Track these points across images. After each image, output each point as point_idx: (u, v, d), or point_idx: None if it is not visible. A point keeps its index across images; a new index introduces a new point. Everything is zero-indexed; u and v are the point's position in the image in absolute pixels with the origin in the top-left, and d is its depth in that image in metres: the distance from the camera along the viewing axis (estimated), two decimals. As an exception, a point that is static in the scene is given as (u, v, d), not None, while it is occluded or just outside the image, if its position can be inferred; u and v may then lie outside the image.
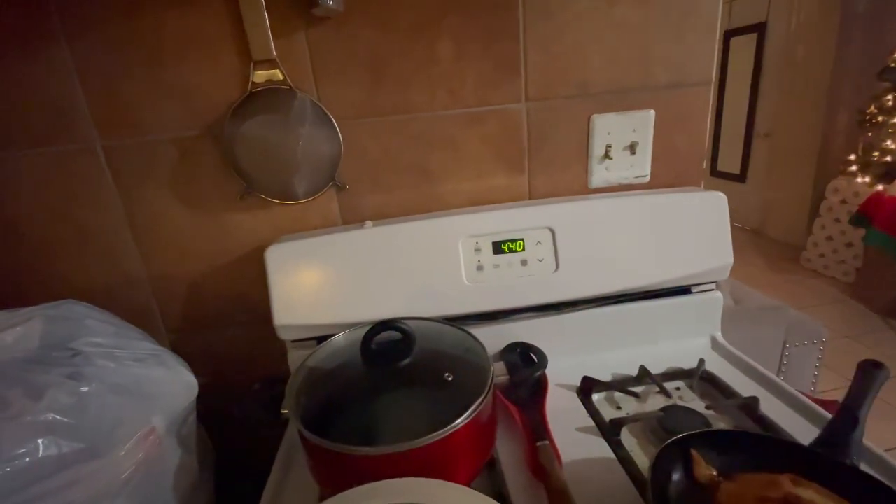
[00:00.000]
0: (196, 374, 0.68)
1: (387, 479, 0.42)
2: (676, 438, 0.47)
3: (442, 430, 0.45)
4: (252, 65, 0.64)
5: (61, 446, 0.42)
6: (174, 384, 0.56)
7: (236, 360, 0.81)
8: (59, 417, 0.42)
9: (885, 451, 0.50)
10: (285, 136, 0.67)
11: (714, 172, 4.10)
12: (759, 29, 3.38)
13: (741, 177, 3.84)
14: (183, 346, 0.78)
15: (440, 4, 0.65)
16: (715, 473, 0.45)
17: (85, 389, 0.45)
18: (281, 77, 0.65)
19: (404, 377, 0.51)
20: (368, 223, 0.70)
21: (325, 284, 0.67)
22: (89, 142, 0.67)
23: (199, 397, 0.67)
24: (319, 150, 0.69)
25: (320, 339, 0.68)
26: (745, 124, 3.68)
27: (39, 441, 0.40)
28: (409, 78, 0.68)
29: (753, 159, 3.72)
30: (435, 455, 0.46)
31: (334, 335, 0.61)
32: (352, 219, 0.75)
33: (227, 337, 0.80)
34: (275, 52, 0.64)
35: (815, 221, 2.90)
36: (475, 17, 0.67)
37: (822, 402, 0.67)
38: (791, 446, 0.46)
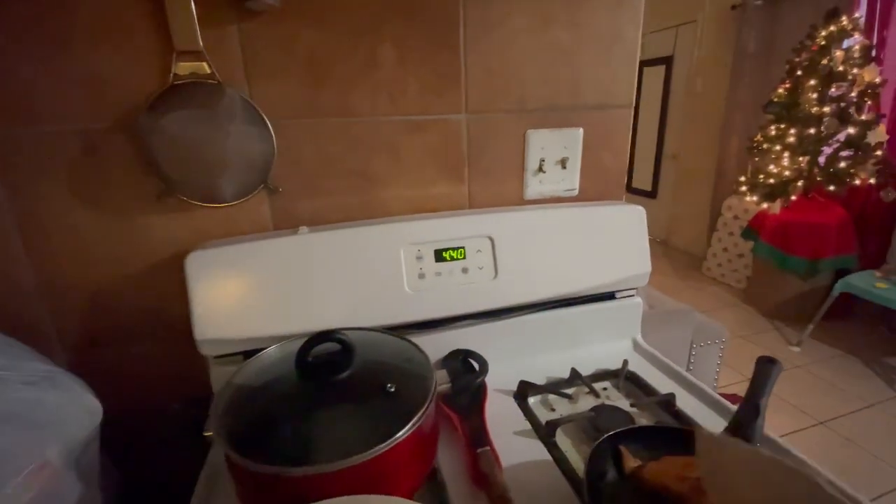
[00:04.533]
0: (99, 396, 0.60)
1: (327, 498, 0.40)
2: (605, 437, 0.50)
3: (384, 444, 0.43)
4: (175, 55, 0.59)
5: (-77, 490, 0.35)
6: (72, 409, 0.49)
7: (148, 380, 0.73)
8: (-80, 456, 0.35)
9: (780, 436, 0.57)
10: (211, 134, 0.62)
11: (629, 189, 4.47)
12: (667, 61, 3.76)
13: (652, 193, 4.23)
14: (84, 366, 0.69)
15: (381, 10, 0.65)
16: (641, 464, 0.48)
17: (-43, 420, 0.38)
18: (208, 70, 0.61)
19: (343, 391, 0.49)
20: (304, 229, 0.67)
21: (255, 294, 0.63)
22: (-32, 130, 0.57)
23: (103, 423, 0.60)
24: (250, 150, 0.65)
25: (248, 354, 0.63)
26: (656, 146, 4.07)
27: None
28: (350, 81, 0.67)
29: (662, 178, 4.12)
30: (377, 469, 0.44)
31: (265, 349, 0.58)
32: (285, 224, 0.71)
33: (137, 354, 0.72)
34: (201, 44, 0.60)
35: (713, 234, 3.26)
36: (417, 26, 0.67)
37: (723, 396, 0.75)
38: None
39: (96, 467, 0.51)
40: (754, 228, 2.68)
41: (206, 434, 0.46)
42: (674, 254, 3.91)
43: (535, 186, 0.81)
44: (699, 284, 3.27)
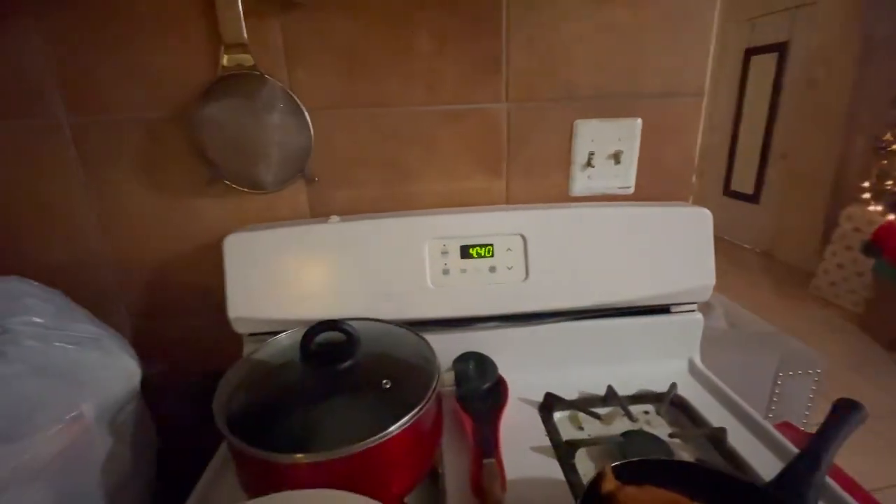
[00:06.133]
0: (158, 361, 0.66)
1: (310, 488, 0.40)
2: (611, 467, 0.44)
3: (372, 439, 0.42)
4: (222, 48, 0.63)
5: (-31, 427, 0.40)
6: (111, 369, 0.54)
7: (198, 351, 0.79)
8: (-32, 397, 0.40)
9: (878, 489, 0.46)
10: (253, 124, 0.65)
11: (727, 192, 4.02)
12: (781, 48, 3.31)
13: (754, 197, 3.75)
14: (145, 333, 0.77)
15: (419, -5, 0.63)
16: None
17: (3, 370, 0.43)
18: (251, 62, 0.63)
19: (343, 381, 0.48)
20: (334, 218, 0.68)
21: (284, 278, 0.65)
22: (57, 118, 0.65)
23: (157, 386, 0.65)
24: (289, 139, 0.67)
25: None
26: (762, 144, 3.61)
27: (-55, 420, 0.39)
28: (386, 70, 0.66)
29: (768, 180, 3.64)
30: (365, 464, 0.43)
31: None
32: (321, 212, 0.73)
33: (190, 326, 0.78)
34: (246, 36, 0.62)
35: (826, 248, 2.82)
36: (456, 11, 0.64)
37: (810, 436, 0.62)
38: (741, 484, 0.42)
39: (130, 426, 0.56)
40: (878, 243, 2.26)
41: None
42: (777, 268, 3.44)
43: (582, 182, 0.74)
44: (805, 305, 2.85)
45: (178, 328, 0.78)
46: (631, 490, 0.39)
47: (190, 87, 0.64)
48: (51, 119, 0.65)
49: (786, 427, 1.01)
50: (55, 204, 0.69)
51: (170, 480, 0.68)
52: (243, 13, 0.61)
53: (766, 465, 0.52)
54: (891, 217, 2.16)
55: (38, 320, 0.51)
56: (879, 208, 2.22)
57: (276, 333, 0.66)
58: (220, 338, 0.77)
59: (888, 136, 2.18)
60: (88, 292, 0.68)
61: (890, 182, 2.15)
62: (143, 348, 0.66)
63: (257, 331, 0.67)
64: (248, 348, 0.68)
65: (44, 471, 0.45)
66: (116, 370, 0.55)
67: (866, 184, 2.31)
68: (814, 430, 0.52)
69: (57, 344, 0.49)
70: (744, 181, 3.85)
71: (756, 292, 3.02)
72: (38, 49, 0.62)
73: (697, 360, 0.74)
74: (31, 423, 0.44)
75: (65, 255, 0.72)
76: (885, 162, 2.21)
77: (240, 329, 0.67)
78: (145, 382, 0.63)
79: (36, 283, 0.57)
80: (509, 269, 0.66)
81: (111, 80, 0.64)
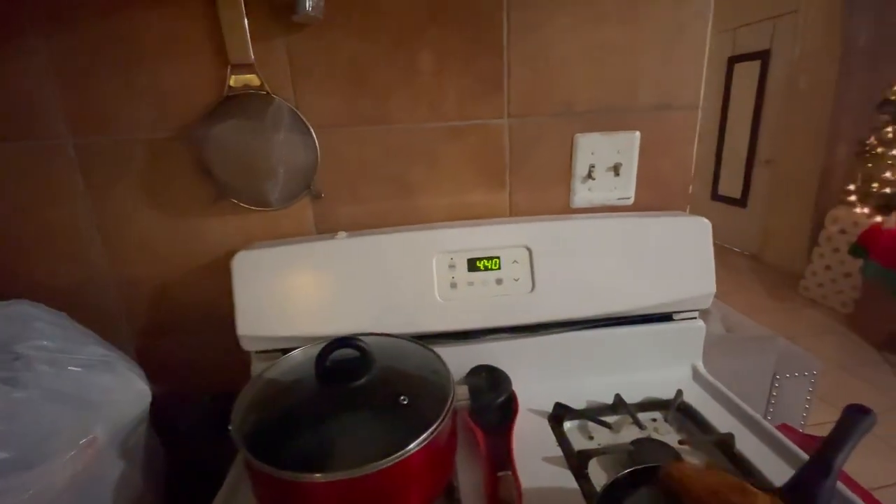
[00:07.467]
0: (162, 381, 0.66)
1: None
2: (626, 473, 0.45)
3: (391, 457, 0.42)
4: (229, 68, 0.63)
5: (-15, 456, 0.39)
6: (122, 392, 0.54)
7: (203, 369, 0.78)
8: (-16, 425, 0.40)
9: (874, 489, 0.47)
10: (260, 142, 0.65)
11: (715, 196, 4.09)
12: (763, 56, 3.40)
13: (742, 202, 3.83)
14: (149, 352, 0.76)
15: (422, 16, 0.65)
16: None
17: (18, 395, 0.43)
18: (258, 82, 0.64)
19: (359, 398, 0.48)
20: (342, 234, 0.69)
21: (293, 295, 0.65)
22: (60, 139, 0.65)
23: (162, 406, 0.65)
24: (295, 157, 0.68)
25: (287, 352, 0.65)
26: (747, 150, 3.69)
27: (-40, 450, 0.38)
28: (390, 89, 0.67)
29: (754, 185, 3.72)
30: (384, 483, 0.43)
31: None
32: (327, 228, 0.73)
33: (195, 344, 0.77)
34: (253, 57, 0.63)
35: (814, 250, 2.88)
36: (458, 30, 0.66)
37: (809, 438, 0.64)
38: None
39: (140, 448, 0.56)
40: (865, 245, 2.32)
41: (228, 428, 0.48)
42: (765, 270, 3.50)
43: (583, 194, 0.76)
44: (795, 306, 2.90)
45: (181, 346, 0.78)
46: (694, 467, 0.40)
47: (197, 107, 0.65)
48: (54, 140, 0.65)
49: (785, 429, 1.03)
50: (59, 224, 0.69)
51: (176, 501, 0.68)
52: (250, 34, 0.62)
53: (774, 470, 0.54)
54: (877, 219, 2.22)
55: (48, 344, 0.51)
56: (866, 210, 2.28)
57: (284, 350, 0.67)
58: (224, 355, 0.77)
59: (872, 140, 2.25)
60: (91, 312, 0.68)
61: (875, 185, 2.21)
62: (147, 367, 0.66)
63: (266, 348, 0.67)
64: (255, 366, 0.68)
65: (60, 496, 0.45)
66: (127, 393, 0.55)
67: (851, 186, 2.38)
68: (812, 431, 0.53)
69: (69, 368, 0.49)
70: (731, 186, 3.92)
71: (746, 295, 3.07)
72: (41, 70, 0.62)
73: (700, 367, 0.75)
74: (45, 450, 0.44)
75: (68, 275, 0.71)
76: (870, 165, 2.27)
77: (248, 347, 0.67)
78: (152, 403, 0.63)
79: (42, 306, 0.57)
80: (516, 280, 0.67)
81: (116, 101, 0.64)
